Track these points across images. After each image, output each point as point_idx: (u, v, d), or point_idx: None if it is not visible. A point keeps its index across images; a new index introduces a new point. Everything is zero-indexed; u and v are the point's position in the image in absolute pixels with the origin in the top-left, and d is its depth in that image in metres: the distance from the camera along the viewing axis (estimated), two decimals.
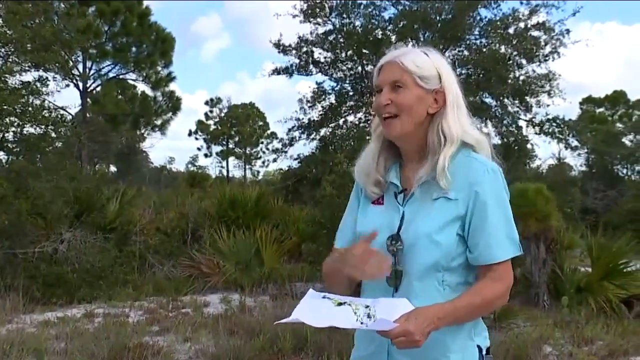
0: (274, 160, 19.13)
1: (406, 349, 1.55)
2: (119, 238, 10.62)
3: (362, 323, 1.53)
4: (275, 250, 10.19)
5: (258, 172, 47.39)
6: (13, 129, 9.86)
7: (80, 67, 23.83)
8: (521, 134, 17.77)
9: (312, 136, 17.45)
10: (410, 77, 1.73)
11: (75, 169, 11.73)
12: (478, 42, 17.00)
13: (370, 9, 16.98)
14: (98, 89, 25.58)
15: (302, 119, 17.48)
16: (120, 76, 26.11)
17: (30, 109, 9.71)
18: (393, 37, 16.31)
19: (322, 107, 17.53)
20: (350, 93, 17.48)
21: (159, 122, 31.09)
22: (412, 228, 1.70)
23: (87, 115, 24.73)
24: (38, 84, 10.21)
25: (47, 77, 10.85)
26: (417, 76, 1.73)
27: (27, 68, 10.30)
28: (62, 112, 12.28)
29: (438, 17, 16.31)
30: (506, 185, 1.76)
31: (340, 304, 1.60)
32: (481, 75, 16.42)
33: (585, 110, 40.14)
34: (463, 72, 16.41)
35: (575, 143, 20.52)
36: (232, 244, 10.11)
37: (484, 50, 16.42)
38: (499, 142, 17.40)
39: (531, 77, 16.82)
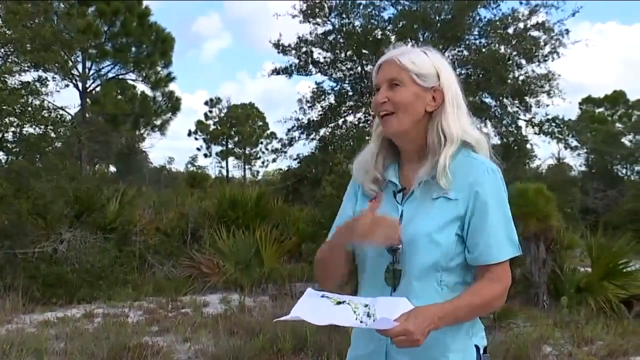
0: (274, 160, 19.11)
1: (405, 349, 1.55)
2: (119, 238, 10.63)
3: (361, 322, 1.53)
4: (275, 250, 10.20)
5: (258, 172, 47.42)
6: (13, 129, 9.88)
7: (80, 67, 23.82)
8: (521, 134, 17.77)
9: (312, 136, 17.44)
10: (407, 75, 1.73)
11: (75, 169, 11.75)
12: (477, 42, 17.00)
13: (369, 9, 16.97)
14: (98, 89, 25.57)
15: (302, 119, 17.48)
16: (120, 76, 26.10)
17: (29, 109, 9.72)
18: (393, 38, 16.30)
19: (321, 107, 17.52)
20: (350, 93, 17.47)
21: (158, 122, 31.09)
22: (411, 227, 1.70)
23: (87, 115, 24.71)
24: (38, 84, 10.23)
25: (46, 77, 10.90)
26: (414, 74, 1.73)
27: (26, 68, 10.31)
28: (61, 112, 12.27)
29: (437, 17, 16.31)
30: (505, 185, 1.76)
31: (339, 302, 1.60)
32: (481, 76, 16.42)
33: (585, 110, 40.16)
34: (463, 72, 16.40)
35: (574, 143, 20.51)
36: (232, 244, 10.11)
37: (484, 50, 16.42)
38: (499, 142, 17.39)
39: (531, 77, 16.81)
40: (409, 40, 15.36)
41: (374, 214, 1.63)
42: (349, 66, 17.37)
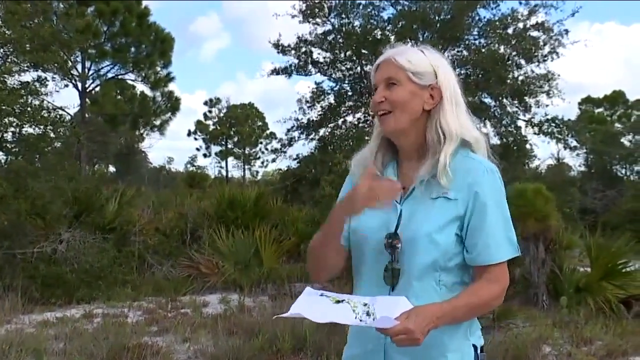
0: (273, 160, 19.13)
1: (404, 348, 1.55)
2: (118, 238, 10.62)
3: (361, 320, 1.53)
4: (274, 250, 10.20)
5: (257, 172, 47.38)
6: (12, 129, 9.87)
7: (79, 67, 23.83)
8: (520, 134, 17.78)
9: (311, 136, 17.44)
10: (403, 74, 1.73)
11: (74, 169, 11.72)
12: (477, 42, 17.02)
13: (369, 9, 16.98)
14: (97, 89, 25.58)
15: (301, 119, 17.49)
16: (119, 76, 26.11)
17: (29, 109, 9.71)
18: (392, 38, 16.31)
19: (321, 107, 17.52)
20: (349, 93, 17.48)
21: (158, 122, 31.09)
22: (411, 227, 1.70)
23: (86, 115, 24.71)
24: (37, 84, 10.23)
25: (46, 77, 10.89)
26: (411, 72, 1.73)
27: (25, 68, 10.30)
28: (61, 112, 12.26)
29: (437, 17, 16.32)
30: (503, 186, 1.76)
31: (338, 301, 1.60)
32: (480, 76, 16.43)
33: (584, 110, 40.19)
34: (462, 72, 16.40)
35: (574, 143, 20.51)
36: (231, 244, 10.11)
37: (483, 50, 16.43)
38: (498, 142, 17.40)
39: (530, 77, 16.82)
40: (408, 40, 15.37)
41: (371, 180, 1.63)
42: (348, 66, 17.38)
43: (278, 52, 17.19)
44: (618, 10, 71.31)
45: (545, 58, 16.60)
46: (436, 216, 1.69)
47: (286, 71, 17.40)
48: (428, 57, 1.77)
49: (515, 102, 17.20)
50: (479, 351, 1.77)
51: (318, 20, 16.93)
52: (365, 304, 1.59)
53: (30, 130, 9.95)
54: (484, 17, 16.82)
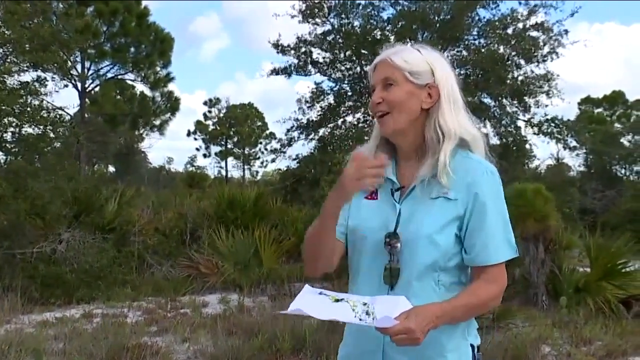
0: (273, 160, 19.11)
1: (403, 347, 1.55)
2: (118, 238, 10.62)
3: (360, 320, 1.53)
4: (274, 250, 10.19)
5: (257, 172, 47.39)
6: (11, 129, 9.87)
7: (79, 67, 23.85)
8: (520, 134, 17.79)
9: (311, 136, 17.45)
10: (400, 74, 1.73)
11: (74, 169, 11.73)
12: (477, 42, 17.02)
13: (368, 9, 16.99)
14: (96, 89, 25.59)
15: (301, 119, 17.49)
16: (119, 76, 26.13)
17: (28, 109, 9.71)
18: (392, 38, 16.32)
19: (320, 107, 17.53)
20: (349, 93, 17.48)
21: (157, 122, 31.10)
22: (411, 227, 1.70)
23: (86, 115, 24.71)
24: (36, 84, 10.23)
25: (45, 78, 10.91)
26: (407, 72, 1.73)
27: (25, 68, 10.30)
28: (60, 112, 12.26)
29: (437, 18, 16.32)
30: (502, 187, 1.76)
31: (337, 300, 1.60)
32: (480, 76, 16.43)
33: (584, 110, 40.19)
34: (462, 72, 16.40)
35: (573, 143, 20.53)
36: (231, 244, 10.11)
37: (483, 50, 16.44)
38: (498, 142, 17.42)
39: (530, 77, 16.83)
40: (408, 40, 15.38)
41: (358, 161, 1.62)
42: (348, 66, 17.38)
43: (278, 52, 17.21)
44: (618, 10, 71.37)
45: (545, 58, 16.61)
46: (436, 216, 1.69)
47: (286, 71, 17.41)
48: (424, 56, 1.76)
49: (515, 102, 17.20)
50: (475, 350, 1.77)
51: (318, 20, 16.95)
52: (364, 304, 1.59)
53: (30, 130, 9.97)
54: (484, 17, 16.85)
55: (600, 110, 41.25)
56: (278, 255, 10.30)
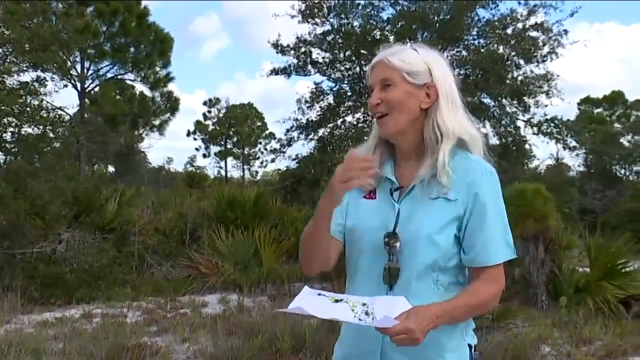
0: (273, 160, 19.16)
1: (403, 348, 1.55)
2: (118, 238, 10.62)
3: (360, 320, 1.53)
4: (274, 250, 10.19)
5: (256, 172, 47.41)
6: (11, 129, 9.87)
7: (79, 67, 23.83)
8: (519, 134, 17.81)
9: (311, 136, 17.48)
10: (398, 74, 1.73)
11: (74, 169, 11.72)
12: (476, 42, 17.05)
13: (368, 10, 17.02)
14: (96, 89, 25.57)
15: (301, 119, 17.52)
16: (119, 76, 26.12)
17: (28, 109, 9.71)
18: (391, 38, 16.35)
19: (320, 107, 17.56)
20: (349, 93, 17.50)
21: (157, 122, 31.10)
22: (411, 227, 1.70)
23: (86, 115, 24.71)
24: (36, 84, 10.22)
25: (45, 78, 10.90)
26: (405, 72, 1.72)
27: (25, 68, 10.30)
28: (60, 112, 12.27)
29: (436, 18, 16.35)
30: (500, 187, 1.77)
31: (336, 300, 1.60)
32: (479, 76, 16.45)
33: (584, 110, 40.22)
34: (461, 72, 16.43)
35: (573, 143, 20.58)
36: (231, 245, 10.11)
37: (482, 50, 16.46)
38: (497, 142, 17.44)
39: (529, 77, 16.85)
40: (407, 40, 15.39)
41: (347, 162, 1.61)
42: (347, 66, 17.41)
43: (277, 52, 17.25)
44: (618, 11, 71.35)
45: (545, 58, 16.64)
46: (436, 217, 1.69)
47: (285, 71, 17.43)
48: (422, 55, 1.76)
49: (515, 102, 17.23)
50: (473, 350, 1.78)
51: (317, 20, 16.98)
52: (364, 304, 1.59)
53: (30, 130, 9.96)
54: (483, 18, 16.89)
55: (600, 110, 41.28)
56: (278, 255, 10.30)
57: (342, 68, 17.46)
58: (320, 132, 17.53)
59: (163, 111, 30.70)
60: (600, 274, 8.70)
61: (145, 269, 10.58)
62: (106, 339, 5.83)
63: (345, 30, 16.67)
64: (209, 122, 46.70)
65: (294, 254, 10.69)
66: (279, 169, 19.60)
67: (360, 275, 1.78)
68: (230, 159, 47.54)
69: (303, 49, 17.17)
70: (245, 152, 47.66)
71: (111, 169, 34.99)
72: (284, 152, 17.87)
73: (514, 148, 17.72)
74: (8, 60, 10.14)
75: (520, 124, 17.72)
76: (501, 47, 16.66)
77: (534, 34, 16.56)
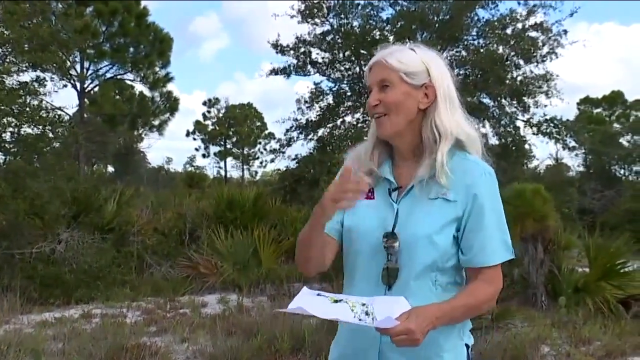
0: (272, 160, 19.16)
1: (403, 347, 1.55)
2: (117, 238, 10.62)
3: (360, 320, 1.53)
4: (273, 250, 10.19)
5: (256, 172, 47.44)
6: (10, 129, 9.85)
7: (78, 67, 23.82)
8: (519, 134, 17.80)
9: (310, 136, 17.46)
10: (396, 75, 1.73)
11: (73, 169, 11.72)
12: (476, 42, 17.04)
13: (368, 10, 17.01)
14: (96, 89, 25.58)
15: (300, 119, 17.51)
16: (118, 76, 26.11)
17: (27, 109, 9.70)
18: (391, 38, 16.34)
19: (319, 107, 17.55)
20: (348, 93, 17.49)
21: (156, 122, 31.11)
22: (410, 227, 1.70)
23: (85, 115, 24.70)
24: (35, 84, 10.20)
25: (44, 78, 10.89)
26: (403, 73, 1.72)
27: (24, 68, 10.29)
28: (59, 112, 12.28)
29: (436, 18, 16.34)
30: (498, 187, 1.77)
31: (336, 301, 1.60)
32: (479, 76, 16.45)
33: (583, 110, 40.24)
34: (461, 72, 16.42)
35: (572, 143, 20.53)
36: (230, 245, 10.10)
37: (482, 50, 16.45)
38: (497, 142, 17.43)
39: (529, 77, 16.84)
40: (407, 40, 15.38)
41: (342, 179, 1.60)
42: (347, 66, 17.40)
43: (277, 53, 17.23)
44: (617, 11, 71.47)
45: (544, 58, 16.64)
46: (435, 217, 1.69)
47: (285, 71, 17.42)
48: (419, 55, 1.76)
49: (514, 102, 17.21)
50: (470, 350, 1.79)
51: (317, 20, 16.97)
52: (363, 304, 1.59)
53: (29, 130, 9.95)
54: (483, 18, 16.87)
55: (599, 110, 41.29)
56: (277, 255, 10.30)
57: (342, 68, 17.45)
58: (320, 132, 17.53)
59: (162, 111, 30.71)
60: (599, 274, 8.70)
61: (144, 269, 10.58)
62: (105, 339, 5.83)
63: (345, 31, 16.66)
64: (208, 122, 46.76)
65: (294, 254, 10.64)
66: (279, 169, 19.60)
67: (358, 276, 1.77)
68: (229, 159, 47.60)
69: (302, 49, 17.17)
70: (245, 152, 47.69)
71: (110, 169, 35.02)
72: (283, 152, 17.87)
73: (513, 148, 17.70)
74: (7, 60, 10.13)
75: (519, 124, 17.72)
76: (501, 47, 16.65)
77: (533, 34, 16.56)
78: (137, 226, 11.19)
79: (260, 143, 47.33)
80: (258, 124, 47.71)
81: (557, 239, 9.02)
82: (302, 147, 17.98)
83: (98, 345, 5.58)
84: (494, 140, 17.37)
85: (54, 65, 12.58)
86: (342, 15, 16.88)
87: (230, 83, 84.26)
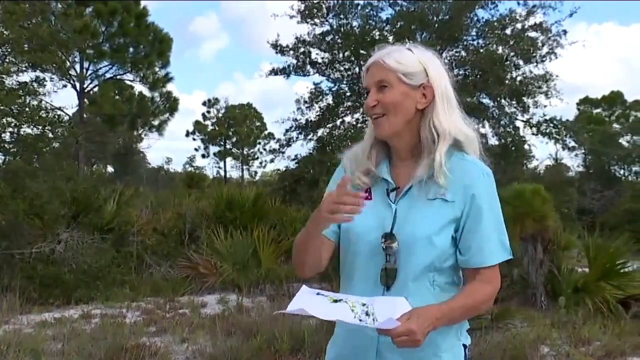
0: (272, 160, 19.19)
1: (402, 348, 1.55)
2: (116, 238, 10.62)
3: (360, 320, 1.53)
4: (273, 250, 10.18)
5: (255, 172, 47.44)
6: (10, 129, 9.85)
7: (78, 67, 23.83)
8: (518, 134, 17.80)
9: (310, 137, 17.47)
10: (394, 76, 1.73)
11: (73, 169, 11.72)
12: (475, 42, 17.04)
13: (367, 10, 17.02)
14: (95, 89, 25.59)
15: (300, 119, 17.52)
16: (118, 77, 26.12)
17: (27, 109, 9.70)
18: (390, 38, 16.34)
19: (319, 107, 17.55)
20: (348, 94, 17.49)
21: (156, 122, 31.12)
22: (409, 228, 1.69)
23: (85, 115, 24.70)
24: (35, 85, 10.20)
25: (44, 78, 10.89)
26: (401, 73, 1.72)
27: (24, 68, 10.29)
28: (59, 112, 12.27)
29: (435, 18, 16.34)
30: (496, 188, 1.77)
31: (335, 301, 1.60)
32: (478, 76, 16.45)
33: (583, 111, 40.27)
34: (460, 72, 16.44)
35: (572, 144, 20.53)
36: (230, 245, 10.10)
37: (481, 50, 16.46)
38: (496, 142, 17.43)
39: (528, 77, 16.85)
40: (406, 40, 15.39)
41: (339, 191, 1.59)
42: (346, 67, 17.41)
43: (276, 53, 17.24)
44: (616, 11, 71.55)
45: (544, 58, 16.64)
46: (434, 218, 1.69)
47: (284, 71, 17.43)
48: (417, 56, 1.76)
49: (514, 102, 17.22)
50: (467, 350, 1.79)
51: (316, 20, 16.97)
52: (363, 304, 1.59)
53: (29, 130, 9.95)
54: (482, 18, 16.88)
55: (598, 110, 41.33)
56: (277, 256, 10.29)
57: (341, 68, 17.46)
58: (320, 132, 17.53)
59: (162, 111, 30.71)
60: (599, 274, 8.70)
61: (144, 269, 10.57)
62: (105, 340, 5.83)
63: (344, 31, 16.67)
64: (208, 123, 46.76)
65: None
66: (278, 169, 19.60)
67: (357, 276, 1.77)
68: (229, 159, 47.60)
69: (302, 49, 17.17)
70: (244, 152, 47.69)
71: (110, 169, 35.01)
72: (283, 153, 17.88)
73: (513, 148, 17.70)
74: (7, 60, 10.13)
75: (519, 124, 17.73)
76: (500, 48, 16.66)
77: (533, 34, 16.57)
78: (137, 226, 11.19)
79: (259, 143, 47.35)
80: (258, 124, 47.72)
81: (556, 239, 9.02)
82: (302, 148, 18.02)
83: (97, 346, 5.58)
84: (493, 141, 17.39)
85: (54, 65, 12.58)
86: (342, 16, 16.89)
87: (229, 83, 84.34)
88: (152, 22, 25.63)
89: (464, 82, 15.86)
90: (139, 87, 28.25)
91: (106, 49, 24.30)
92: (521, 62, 16.85)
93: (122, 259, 10.25)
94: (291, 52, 17.13)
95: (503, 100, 17.15)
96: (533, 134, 17.63)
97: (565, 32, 16.51)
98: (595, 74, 72.88)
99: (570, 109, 46.42)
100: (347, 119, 17.61)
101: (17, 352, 5.34)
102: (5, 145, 9.97)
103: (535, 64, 16.72)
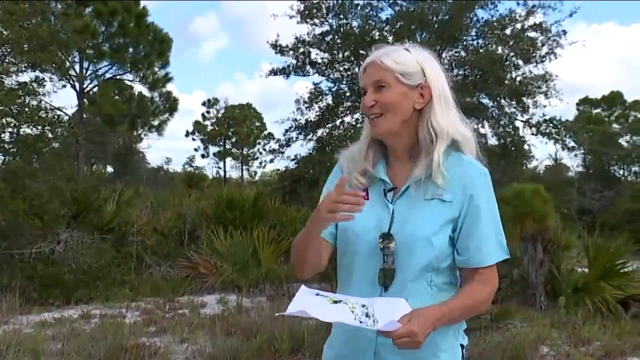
0: (271, 160, 19.20)
1: (396, 348, 1.55)
2: (116, 239, 10.62)
3: (360, 322, 1.52)
4: (273, 250, 10.18)
5: (255, 172, 47.41)
6: (10, 129, 9.85)
7: (77, 67, 23.80)
8: (518, 134, 17.81)
9: (309, 137, 17.48)
10: (392, 76, 1.72)
11: (72, 169, 11.73)
12: (475, 42, 17.05)
13: (367, 10, 17.02)
14: (95, 89, 25.57)
15: (299, 119, 17.52)
16: (117, 77, 26.09)
17: (27, 109, 9.70)
18: (390, 38, 16.34)
19: (319, 107, 17.56)
20: (347, 94, 17.49)
21: (156, 122, 31.10)
22: (407, 228, 1.69)
23: (84, 115, 24.68)
24: (35, 85, 10.20)
25: (43, 78, 10.88)
26: (399, 73, 1.72)
27: (23, 68, 10.30)
28: (58, 112, 12.30)
29: (435, 18, 16.35)
30: (492, 188, 1.77)
31: (335, 301, 1.59)
32: (478, 76, 16.46)
33: (582, 111, 40.29)
34: (460, 72, 16.45)
35: (572, 144, 20.57)
36: (230, 245, 10.10)
37: (481, 51, 16.46)
38: (496, 142, 17.44)
39: (528, 77, 16.85)
40: (406, 40, 15.39)
41: (338, 191, 1.59)
42: (346, 67, 17.40)
43: (276, 53, 17.24)
44: (616, 11, 71.54)
45: (543, 59, 16.64)
46: (432, 218, 1.69)
47: (284, 72, 17.43)
48: (414, 55, 1.75)
49: (513, 102, 17.22)
50: (464, 350, 1.79)
51: (316, 20, 16.98)
52: (363, 305, 1.58)
53: (28, 130, 9.95)
54: (482, 18, 16.89)
55: (598, 110, 41.34)
56: (277, 256, 10.29)
57: (341, 68, 17.47)
58: (319, 132, 17.54)
59: (162, 111, 30.70)
60: (598, 274, 8.71)
61: (143, 270, 10.57)
62: (105, 340, 5.83)
63: (344, 31, 16.67)
64: (207, 123, 46.72)
65: None
66: (278, 169, 19.61)
67: (355, 277, 1.77)
68: (229, 159, 47.54)
69: (302, 50, 17.18)
70: (244, 152, 47.65)
71: (110, 169, 34.96)
72: (282, 153, 17.89)
73: (512, 148, 17.70)
74: (7, 60, 10.13)
75: (519, 124, 17.73)
76: (500, 48, 16.66)
77: (532, 34, 16.58)
78: (137, 226, 11.19)
79: (259, 143, 47.31)
80: (257, 124, 47.69)
81: (556, 239, 9.03)
82: (302, 148, 18.02)
83: (97, 346, 5.58)
84: (493, 141, 17.41)
85: (53, 65, 12.58)
86: (342, 16, 16.89)
87: (229, 83, 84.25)
88: (152, 22, 25.63)
89: (464, 82, 15.87)
90: (139, 87, 28.26)
91: (106, 49, 24.28)
92: (521, 62, 16.87)
93: (122, 259, 10.25)
94: (291, 52, 17.15)
95: (503, 100, 17.15)
96: (533, 134, 17.65)
97: (565, 32, 16.53)
98: (595, 74, 72.92)
99: (570, 109, 46.49)
100: (347, 119, 17.64)
101: (17, 352, 5.34)
102: (5, 145, 9.97)
103: (535, 64, 16.74)
